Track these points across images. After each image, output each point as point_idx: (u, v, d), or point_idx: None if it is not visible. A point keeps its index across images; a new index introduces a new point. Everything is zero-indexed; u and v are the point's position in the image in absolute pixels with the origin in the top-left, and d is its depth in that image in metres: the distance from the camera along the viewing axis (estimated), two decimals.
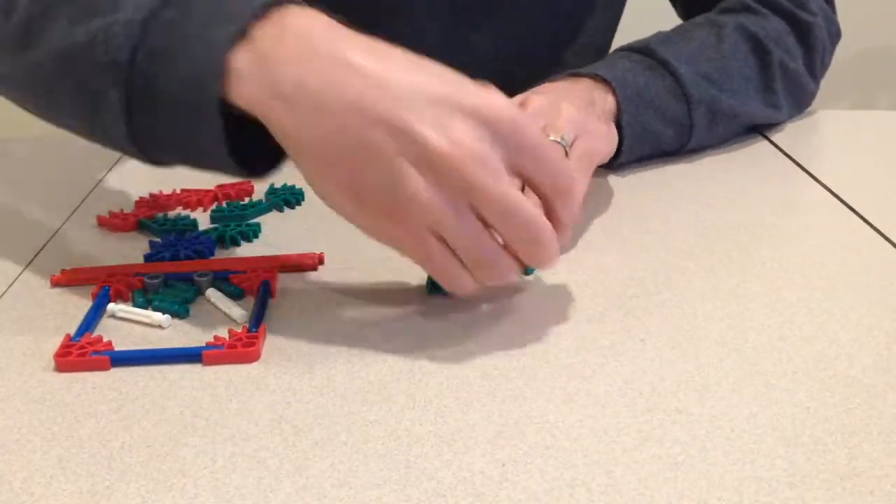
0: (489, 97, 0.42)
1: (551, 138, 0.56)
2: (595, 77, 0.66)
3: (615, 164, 0.67)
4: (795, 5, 0.76)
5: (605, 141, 0.62)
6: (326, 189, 0.43)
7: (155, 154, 0.47)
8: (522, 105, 0.60)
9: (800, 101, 0.78)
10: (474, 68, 0.82)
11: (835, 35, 0.80)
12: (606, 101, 0.65)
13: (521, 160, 0.42)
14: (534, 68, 0.87)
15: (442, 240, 0.43)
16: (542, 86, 0.63)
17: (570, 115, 0.59)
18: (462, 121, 0.41)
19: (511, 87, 0.86)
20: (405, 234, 0.43)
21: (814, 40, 0.76)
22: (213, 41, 0.41)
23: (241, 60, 0.41)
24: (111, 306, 0.49)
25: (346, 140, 0.41)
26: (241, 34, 0.42)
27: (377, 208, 0.42)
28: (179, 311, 0.49)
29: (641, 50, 0.70)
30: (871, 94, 1.97)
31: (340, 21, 0.44)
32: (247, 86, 0.42)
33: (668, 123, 0.68)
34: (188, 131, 0.43)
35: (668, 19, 0.87)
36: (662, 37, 0.72)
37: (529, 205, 0.42)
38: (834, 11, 0.80)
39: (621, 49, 0.72)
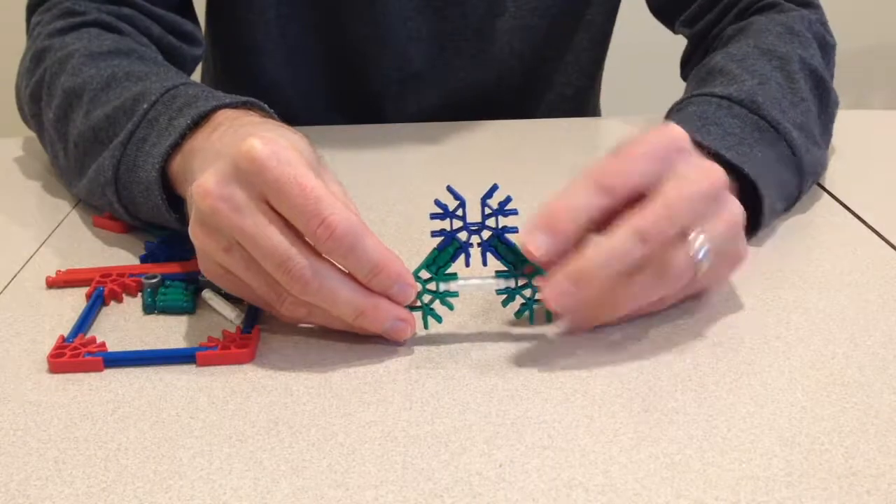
0: (246, 140, 0.43)
1: (696, 254, 0.44)
2: (729, 165, 0.52)
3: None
4: (824, 28, 0.71)
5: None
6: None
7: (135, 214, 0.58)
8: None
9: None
10: (458, 91, 0.82)
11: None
12: (739, 205, 0.48)
13: (269, 198, 0.43)
14: (519, 90, 0.88)
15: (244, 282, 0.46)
16: None
17: (735, 216, 0.46)
18: (219, 166, 0.44)
19: (497, 108, 0.87)
20: (215, 279, 0.47)
21: (833, 66, 0.71)
22: (156, 155, 0.54)
23: (175, 164, 0.54)
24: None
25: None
26: (177, 145, 0.53)
27: (210, 262, 0.47)
28: (187, 307, 0.49)
29: (744, 102, 0.58)
30: (866, 93, 1.97)
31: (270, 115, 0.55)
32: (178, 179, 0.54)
33: (784, 199, 0.58)
34: (151, 209, 0.56)
35: (662, 31, 0.87)
36: (743, 74, 0.61)
37: (276, 235, 0.43)
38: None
39: (713, 95, 0.59)
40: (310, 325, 0.48)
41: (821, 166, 0.64)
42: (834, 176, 0.67)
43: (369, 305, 0.44)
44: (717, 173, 0.45)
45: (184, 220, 0.52)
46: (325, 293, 0.43)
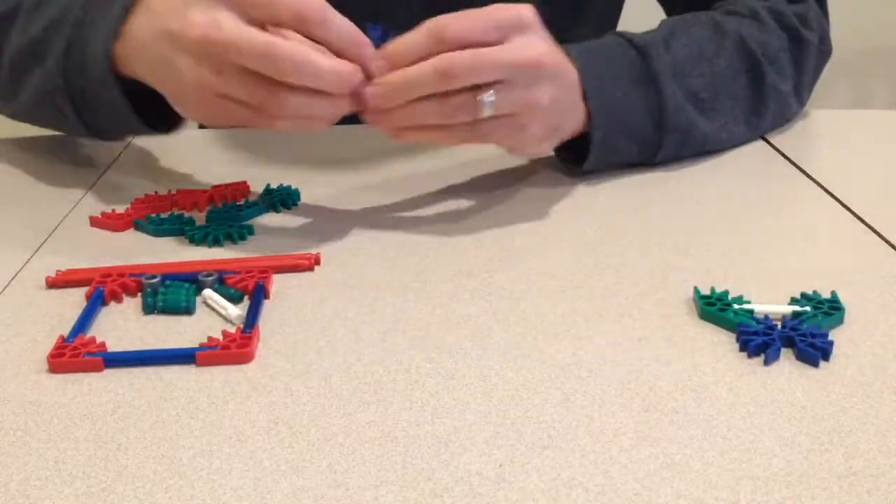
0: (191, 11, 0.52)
1: (481, 98, 0.54)
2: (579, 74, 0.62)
3: (576, 170, 0.67)
4: (800, 22, 0.74)
5: (524, 135, 0.58)
6: (174, 102, 0.58)
7: (91, 121, 0.65)
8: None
9: (780, 123, 0.77)
10: None
11: (826, 54, 0.78)
12: (578, 120, 0.63)
13: (251, 12, 0.52)
14: None
15: (237, 101, 0.53)
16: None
17: (539, 102, 0.57)
18: (197, 6, 0.52)
19: None
20: (208, 110, 0.55)
21: (806, 61, 0.74)
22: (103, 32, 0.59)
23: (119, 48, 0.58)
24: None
25: (158, 59, 0.56)
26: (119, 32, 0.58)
27: (186, 99, 0.56)
28: (187, 307, 0.49)
29: (639, 48, 0.66)
30: (869, 91, 1.97)
31: None
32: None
33: (635, 142, 0.66)
34: (106, 104, 0.62)
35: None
36: (664, 33, 0.68)
37: (264, 35, 0.51)
38: (828, 30, 0.78)
39: (622, 36, 0.67)
40: (307, 324, 0.48)
41: (716, 139, 0.70)
42: (834, 176, 0.67)
43: (351, 69, 0.52)
44: (544, 51, 0.56)
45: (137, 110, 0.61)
46: (311, 66, 0.50)
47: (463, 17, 0.54)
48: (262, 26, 0.52)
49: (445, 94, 0.53)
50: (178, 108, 0.60)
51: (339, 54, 0.52)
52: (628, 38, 0.67)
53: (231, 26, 0.51)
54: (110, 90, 0.60)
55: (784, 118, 0.77)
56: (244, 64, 0.51)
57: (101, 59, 0.59)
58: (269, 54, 0.50)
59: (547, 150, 0.63)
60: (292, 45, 0.50)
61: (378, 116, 0.55)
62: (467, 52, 0.53)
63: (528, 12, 0.56)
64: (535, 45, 0.56)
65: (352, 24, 0.52)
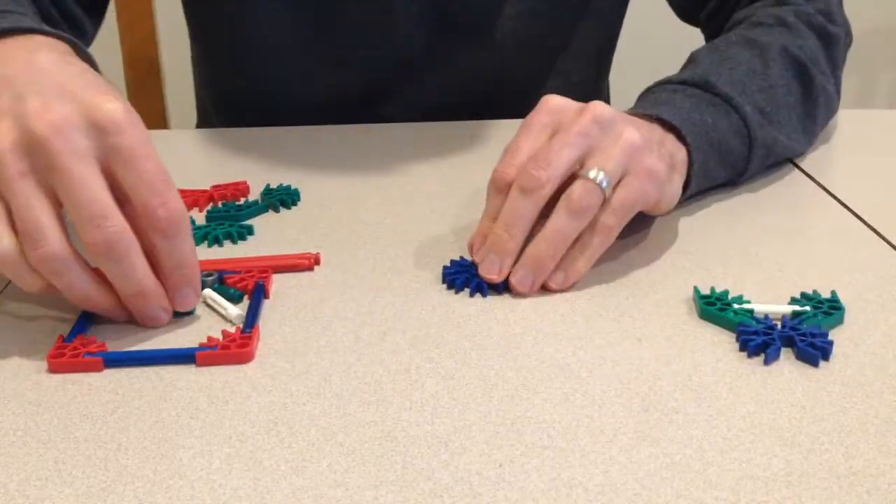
0: (107, 98, 0.45)
1: (588, 173, 0.50)
2: (660, 121, 0.58)
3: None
4: (826, 18, 0.73)
5: (660, 188, 0.53)
6: None
7: None
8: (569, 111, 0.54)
9: (828, 121, 0.75)
10: (462, 79, 0.81)
11: (849, 45, 0.78)
12: (679, 150, 0.57)
13: (114, 164, 0.44)
14: (525, 78, 0.87)
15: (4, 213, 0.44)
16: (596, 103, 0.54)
17: (631, 140, 0.51)
18: (67, 107, 0.44)
19: (502, 97, 0.86)
20: None
21: (838, 55, 0.73)
22: None
23: None
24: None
25: None
26: None
27: None
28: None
29: (698, 84, 0.63)
30: (874, 76, 1.97)
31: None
32: None
33: (727, 167, 0.63)
34: None
35: (671, 24, 0.87)
36: (711, 62, 0.65)
37: (100, 190, 0.43)
38: (844, 17, 0.77)
39: (669, 82, 0.64)
40: (307, 324, 0.48)
41: (787, 149, 0.68)
42: (834, 176, 0.67)
43: (155, 290, 0.46)
44: (594, 106, 0.52)
45: None
46: (126, 262, 0.44)
47: (519, 150, 0.52)
48: (111, 178, 0.44)
49: (559, 210, 0.50)
50: None
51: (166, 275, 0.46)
52: (676, 81, 0.64)
53: (82, 152, 0.43)
54: None
55: (831, 117, 0.76)
56: (62, 197, 0.43)
57: None
58: (98, 222, 0.43)
59: (678, 182, 0.57)
60: (123, 229, 0.43)
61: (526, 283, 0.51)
62: (536, 154, 0.51)
63: (545, 99, 0.55)
64: (575, 107, 0.53)
65: (194, 250, 0.47)
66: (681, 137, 0.58)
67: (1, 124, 0.44)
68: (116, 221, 0.43)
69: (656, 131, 0.56)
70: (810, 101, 0.69)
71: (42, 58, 0.48)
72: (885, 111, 0.87)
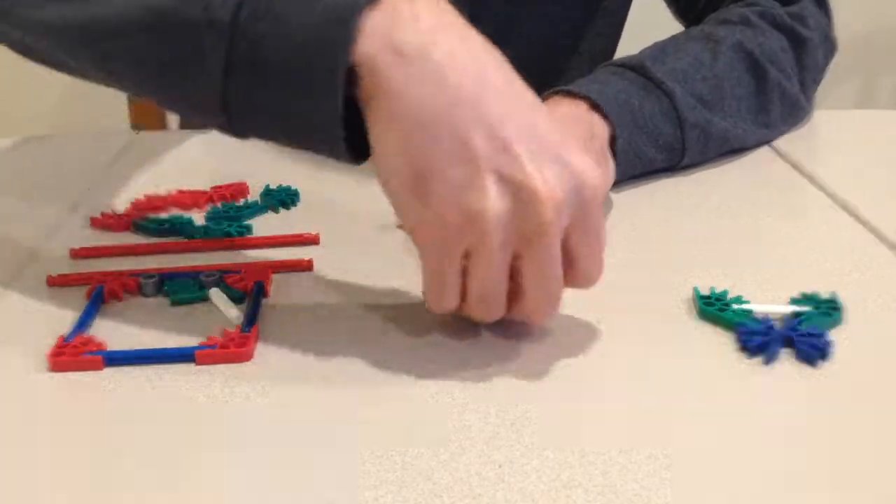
0: (588, 159, 0.41)
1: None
2: (587, 99, 0.62)
3: None
4: (795, 20, 0.74)
5: (607, 180, 0.57)
6: (394, 150, 0.40)
7: (247, 128, 0.43)
8: None
9: (794, 122, 0.77)
10: None
11: (830, 52, 0.78)
12: (604, 131, 0.61)
13: (577, 228, 0.41)
14: (532, 78, 0.87)
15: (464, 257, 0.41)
16: None
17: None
18: (557, 167, 0.40)
19: None
20: (439, 237, 0.40)
21: (809, 58, 0.74)
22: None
23: (371, 20, 0.38)
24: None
25: (448, 120, 0.39)
26: None
27: (432, 198, 0.39)
28: (201, 295, 0.50)
29: (635, 67, 0.67)
30: (875, 78, 1.97)
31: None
32: (367, 44, 0.38)
33: (661, 148, 0.66)
34: (298, 104, 0.39)
35: (671, 24, 0.87)
36: (655, 51, 0.69)
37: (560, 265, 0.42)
38: (831, 26, 0.79)
39: (613, 64, 0.68)
40: (306, 324, 0.48)
41: (739, 139, 0.70)
42: (834, 176, 0.67)
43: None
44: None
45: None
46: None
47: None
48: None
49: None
50: (385, 150, 0.41)
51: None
52: (618, 63, 0.67)
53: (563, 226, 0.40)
54: (325, 74, 0.38)
55: (796, 117, 0.77)
56: (528, 264, 0.41)
57: (339, 21, 0.38)
58: (556, 298, 0.43)
59: (608, 172, 0.59)
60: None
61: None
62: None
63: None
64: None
65: None
66: (604, 115, 0.61)
67: (483, 179, 0.39)
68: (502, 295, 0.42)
69: (586, 124, 0.60)
70: (763, 95, 0.71)
71: (490, 68, 0.41)
72: (886, 111, 0.87)
